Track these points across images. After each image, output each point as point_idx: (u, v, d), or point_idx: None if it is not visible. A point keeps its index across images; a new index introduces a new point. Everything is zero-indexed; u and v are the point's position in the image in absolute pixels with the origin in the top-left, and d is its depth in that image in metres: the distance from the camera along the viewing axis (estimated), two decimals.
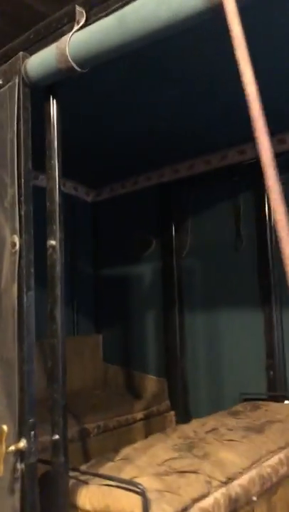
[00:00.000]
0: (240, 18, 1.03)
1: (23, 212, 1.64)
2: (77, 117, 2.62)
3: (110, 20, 1.41)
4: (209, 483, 1.82)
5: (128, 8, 1.37)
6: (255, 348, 3.22)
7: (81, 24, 1.56)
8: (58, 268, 1.67)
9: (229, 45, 1.01)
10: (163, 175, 3.79)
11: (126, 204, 4.14)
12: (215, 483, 1.84)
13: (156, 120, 2.93)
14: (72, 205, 4.10)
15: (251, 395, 3.08)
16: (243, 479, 1.93)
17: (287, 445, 2.28)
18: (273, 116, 1.25)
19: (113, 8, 1.49)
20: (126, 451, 2.20)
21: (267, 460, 2.12)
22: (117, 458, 2.12)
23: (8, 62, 1.79)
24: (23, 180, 1.66)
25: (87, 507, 1.71)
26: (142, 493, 1.57)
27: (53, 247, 1.68)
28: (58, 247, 1.68)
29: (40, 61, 1.64)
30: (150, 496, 1.63)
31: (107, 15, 1.49)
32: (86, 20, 1.57)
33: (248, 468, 2.00)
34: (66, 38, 1.54)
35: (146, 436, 3.28)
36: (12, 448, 1.54)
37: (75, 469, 1.83)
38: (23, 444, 1.55)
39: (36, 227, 1.66)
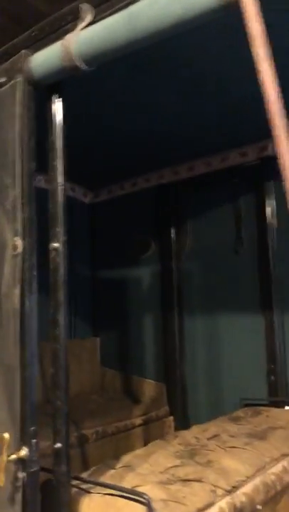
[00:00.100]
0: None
1: (25, 215, 1.60)
2: (75, 117, 2.57)
3: (119, 18, 1.38)
4: (214, 492, 1.78)
5: (138, 5, 1.33)
6: (255, 352, 3.18)
7: (87, 22, 1.53)
8: (61, 271, 1.63)
9: (235, 44, 0.98)
10: (162, 176, 3.76)
11: (124, 206, 4.10)
12: (220, 492, 1.80)
13: (157, 121, 2.90)
14: (70, 206, 4.03)
15: (252, 400, 3.04)
16: (248, 488, 1.89)
17: None
18: None
19: (120, 5, 1.46)
20: (127, 458, 2.16)
21: (271, 468, 2.08)
22: (118, 465, 2.07)
23: (9, 60, 1.75)
24: (25, 181, 1.62)
25: None
26: (148, 504, 1.53)
27: (56, 249, 1.64)
28: (61, 249, 1.64)
29: (44, 59, 1.60)
30: (155, 505, 1.59)
31: (113, 12, 1.45)
32: (92, 18, 1.54)
33: (252, 476, 1.97)
34: (72, 35, 1.51)
35: (144, 442, 3.25)
36: (13, 456, 1.49)
37: (76, 477, 1.78)
38: (24, 452, 1.51)
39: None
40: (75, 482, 1.77)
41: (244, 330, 3.29)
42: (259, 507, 1.89)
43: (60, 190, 1.67)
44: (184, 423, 3.45)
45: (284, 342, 3.10)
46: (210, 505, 1.72)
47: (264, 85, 0.96)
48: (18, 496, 1.51)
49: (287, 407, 2.98)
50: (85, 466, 2.71)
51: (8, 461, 1.49)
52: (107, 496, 1.67)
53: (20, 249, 1.58)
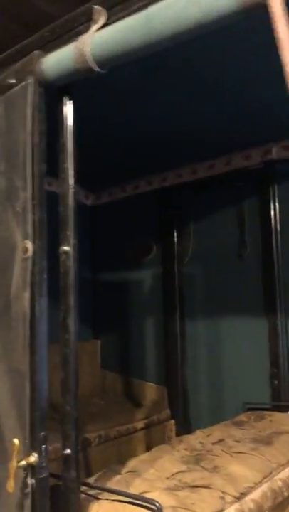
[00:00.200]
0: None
1: (36, 217, 1.58)
2: (78, 118, 2.57)
3: (135, 20, 1.36)
4: (222, 498, 1.77)
5: (155, 8, 1.32)
6: (258, 356, 3.17)
7: (101, 24, 1.51)
8: (72, 275, 1.61)
9: (246, 48, 0.97)
10: (165, 179, 3.75)
11: (126, 208, 4.09)
12: (228, 498, 1.78)
13: (160, 123, 2.89)
14: None
15: (255, 404, 3.03)
16: (256, 494, 1.88)
17: None
18: None
19: (135, 7, 1.44)
20: (132, 463, 2.14)
21: (278, 474, 2.07)
22: (124, 470, 2.05)
23: (20, 61, 1.73)
24: (36, 183, 1.60)
25: None
26: (159, 511, 1.51)
27: (67, 253, 1.62)
28: (71, 253, 1.62)
29: (56, 60, 1.59)
30: None
31: (128, 14, 1.44)
32: (105, 20, 1.52)
33: (260, 483, 1.95)
34: (86, 37, 1.49)
35: (146, 446, 3.24)
36: (23, 462, 1.47)
37: (84, 483, 1.76)
38: (34, 458, 1.49)
39: None
40: (82, 488, 1.74)
41: (247, 333, 3.28)
42: None
43: (71, 193, 1.65)
44: (185, 427, 3.44)
45: (288, 346, 3.09)
46: None
47: None
48: (28, 503, 1.49)
49: None
50: (88, 471, 2.69)
51: (18, 467, 1.48)
52: (116, 503, 1.65)
53: (30, 252, 1.56)
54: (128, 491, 1.72)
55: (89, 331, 4.20)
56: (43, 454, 1.50)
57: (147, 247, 3.92)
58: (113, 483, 1.90)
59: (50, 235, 1.65)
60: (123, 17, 1.46)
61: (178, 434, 3.38)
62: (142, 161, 3.53)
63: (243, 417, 2.91)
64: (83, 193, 4.27)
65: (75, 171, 1.68)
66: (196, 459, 2.19)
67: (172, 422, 3.54)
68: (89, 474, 2.40)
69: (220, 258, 3.48)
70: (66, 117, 1.68)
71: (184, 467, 2.08)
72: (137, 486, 1.86)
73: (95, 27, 1.52)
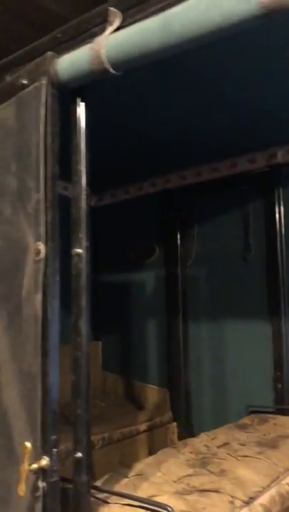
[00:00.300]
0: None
1: (49, 219, 1.57)
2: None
3: (153, 22, 1.35)
4: (232, 503, 1.76)
5: (173, 11, 1.31)
6: (261, 359, 3.17)
7: (116, 26, 1.51)
8: (84, 277, 1.62)
9: (256, 53, 0.96)
10: (169, 181, 3.73)
11: (128, 210, 4.08)
12: (237, 503, 1.78)
13: (165, 125, 2.87)
14: None
15: (258, 407, 3.03)
16: (264, 498, 1.87)
17: None
18: None
19: (152, 9, 1.44)
20: (138, 466, 2.13)
21: (285, 478, 2.06)
22: (131, 474, 2.05)
23: (33, 62, 1.72)
24: (49, 185, 1.59)
25: None
26: None
27: (79, 255, 1.62)
28: (84, 255, 1.62)
29: (71, 62, 1.58)
30: None
31: (145, 17, 1.44)
32: (120, 22, 1.52)
33: (268, 487, 1.95)
34: (101, 38, 1.48)
35: (149, 449, 3.23)
36: (34, 466, 1.46)
37: (94, 487, 1.75)
38: (45, 461, 1.48)
39: None
40: (91, 491, 1.73)
41: (250, 336, 3.28)
42: None
43: (84, 195, 1.65)
44: (187, 430, 3.43)
45: None
46: None
47: None
48: (38, 506, 1.48)
49: None
50: (92, 474, 2.68)
51: (29, 471, 1.47)
52: (126, 507, 1.64)
53: (43, 254, 1.56)
54: (139, 496, 1.71)
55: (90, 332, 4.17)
56: (54, 457, 1.49)
57: (150, 249, 3.91)
58: (121, 487, 1.89)
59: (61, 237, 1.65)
60: (139, 19, 1.45)
61: (180, 437, 3.37)
62: (146, 163, 3.52)
63: (246, 420, 2.91)
64: None
65: (87, 173, 1.67)
66: (202, 463, 2.18)
67: (174, 424, 3.53)
68: (94, 477, 2.39)
69: (224, 261, 3.47)
70: (79, 119, 1.68)
71: (190, 471, 2.07)
72: (145, 490, 1.85)
73: (110, 29, 1.51)
